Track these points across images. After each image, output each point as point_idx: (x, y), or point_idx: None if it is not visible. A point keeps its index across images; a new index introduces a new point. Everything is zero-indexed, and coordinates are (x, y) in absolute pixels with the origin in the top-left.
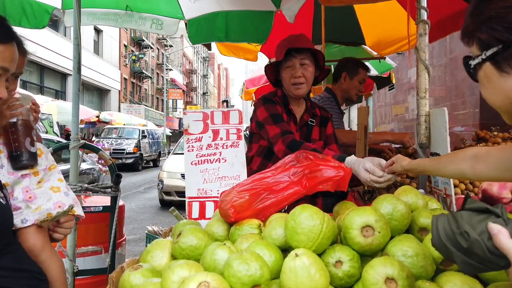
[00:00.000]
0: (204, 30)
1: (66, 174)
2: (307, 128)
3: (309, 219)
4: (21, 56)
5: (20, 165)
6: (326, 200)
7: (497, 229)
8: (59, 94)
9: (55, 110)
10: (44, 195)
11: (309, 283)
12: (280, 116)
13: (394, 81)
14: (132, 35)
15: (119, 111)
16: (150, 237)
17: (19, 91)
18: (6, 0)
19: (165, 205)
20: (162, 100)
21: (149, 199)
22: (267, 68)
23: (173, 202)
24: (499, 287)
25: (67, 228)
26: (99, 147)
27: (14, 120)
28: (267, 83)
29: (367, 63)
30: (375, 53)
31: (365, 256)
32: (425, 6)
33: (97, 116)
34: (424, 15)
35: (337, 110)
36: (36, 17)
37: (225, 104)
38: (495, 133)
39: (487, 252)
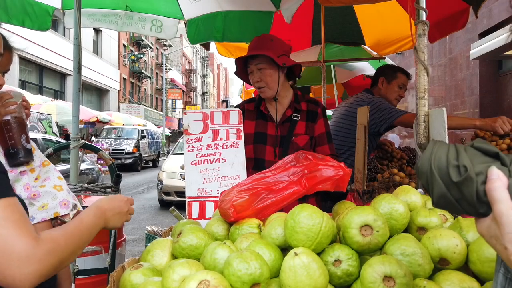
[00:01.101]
0: (203, 30)
1: (66, 174)
2: (290, 123)
3: (308, 219)
4: (8, 53)
5: (18, 162)
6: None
7: (497, 175)
8: (58, 94)
9: (54, 110)
10: (48, 193)
11: (308, 282)
12: None
13: None
14: (131, 35)
15: (118, 111)
16: (150, 237)
17: (9, 88)
18: (7, 0)
19: (164, 205)
20: (162, 100)
21: (148, 199)
22: (238, 75)
23: (172, 202)
24: None
25: None
26: (98, 147)
27: (8, 117)
28: None
29: (366, 63)
30: (374, 53)
31: (364, 255)
32: (424, 6)
33: (96, 116)
34: (423, 15)
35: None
36: (38, 18)
37: (224, 104)
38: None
39: (475, 194)
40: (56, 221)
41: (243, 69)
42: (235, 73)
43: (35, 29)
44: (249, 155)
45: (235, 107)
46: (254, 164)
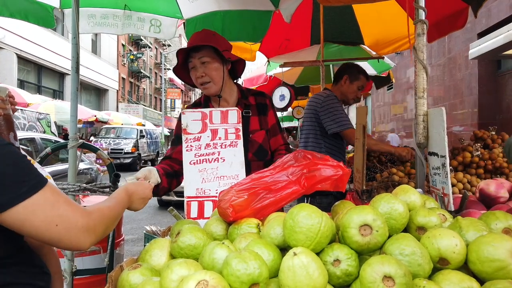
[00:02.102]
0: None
1: (64, 174)
2: (244, 120)
3: (307, 218)
4: None
5: None
6: (322, 199)
7: None
8: (57, 94)
9: (53, 110)
10: None
11: (307, 282)
12: (176, 138)
13: (393, 81)
14: (130, 35)
15: (117, 110)
16: (148, 237)
17: None
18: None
19: (163, 205)
20: (160, 99)
21: None
22: (176, 74)
23: (171, 202)
24: (496, 285)
25: None
26: (97, 146)
27: None
28: (265, 83)
29: (365, 63)
30: (373, 53)
31: (363, 254)
32: (423, 6)
33: (95, 116)
34: (422, 15)
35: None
36: (41, 16)
37: None
38: (493, 132)
39: None
40: None
41: (182, 65)
42: (174, 70)
43: (40, 25)
44: None
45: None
46: None
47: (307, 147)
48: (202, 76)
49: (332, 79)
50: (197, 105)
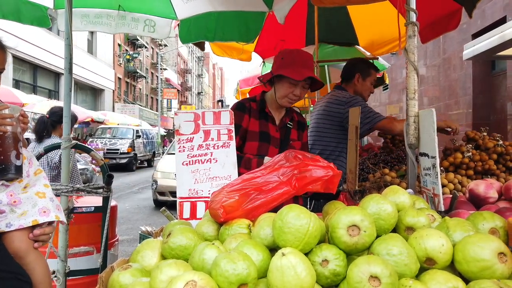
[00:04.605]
0: (194, 29)
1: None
2: (286, 129)
3: (296, 219)
4: (1, 52)
5: (5, 178)
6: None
7: None
8: (52, 94)
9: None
10: (29, 200)
11: (295, 282)
12: (235, 127)
13: (387, 82)
14: (126, 35)
15: (113, 110)
16: (144, 238)
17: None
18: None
19: (159, 205)
20: (157, 99)
21: (143, 199)
22: (268, 75)
23: (167, 202)
24: (480, 285)
25: (47, 233)
26: (93, 147)
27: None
28: (261, 83)
29: None
30: (368, 54)
31: (352, 255)
32: (414, 8)
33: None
34: (413, 17)
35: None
36: (35, 16)
37: (220, 104)
38: (484, 133)
39: None
40: (38, 229)
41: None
42: (275, 73)
43: (34, 25)
44: (252, 152)
45: (240, 103)
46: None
47: (332, 154)
48: (298, 96)
49: (341, 77)
50: (253, 100)
